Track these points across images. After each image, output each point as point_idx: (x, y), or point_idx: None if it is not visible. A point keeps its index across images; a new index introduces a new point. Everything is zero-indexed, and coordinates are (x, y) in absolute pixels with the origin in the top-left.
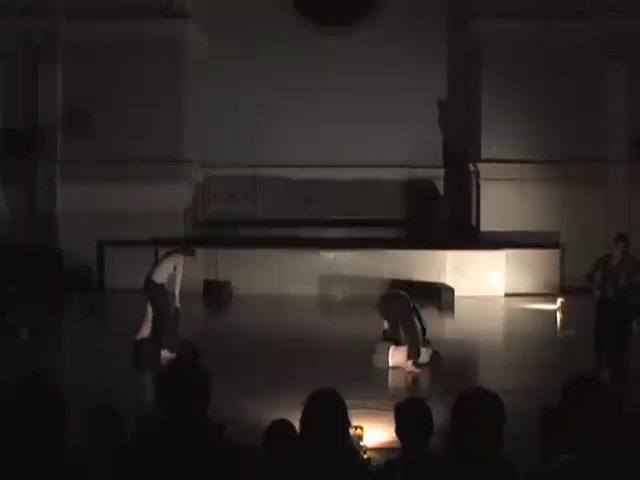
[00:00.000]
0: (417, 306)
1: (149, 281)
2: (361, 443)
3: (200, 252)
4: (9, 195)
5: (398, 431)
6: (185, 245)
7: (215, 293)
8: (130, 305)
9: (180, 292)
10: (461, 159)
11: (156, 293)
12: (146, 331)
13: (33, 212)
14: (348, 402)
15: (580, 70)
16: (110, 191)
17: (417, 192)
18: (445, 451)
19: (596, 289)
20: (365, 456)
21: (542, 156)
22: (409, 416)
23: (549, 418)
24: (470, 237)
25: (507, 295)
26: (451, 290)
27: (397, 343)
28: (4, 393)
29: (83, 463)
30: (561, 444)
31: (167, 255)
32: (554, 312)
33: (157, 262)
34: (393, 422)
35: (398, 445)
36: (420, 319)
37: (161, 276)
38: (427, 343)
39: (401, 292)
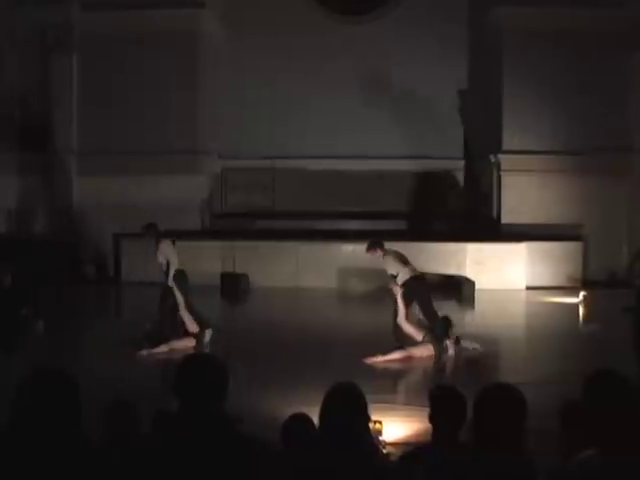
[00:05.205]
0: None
1: None
2: (380, 438)
3: (217, 244)
4: (25, 188)
5: (432, 418)
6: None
7: (232, 286)
8: (146, 298)
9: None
10: (482, 150)
11: None
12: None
13: (49, 205)
14: (367, 397)
15: (604, 59)
16: (126, 183)
17: (437, 184)
18: (468, 447)
19: (638, 279)
20: (384, 451)
21: (564, 147)
22: (443, 402)
23: (569, 413)
24: (491, 229)
25: (528, 288)
26: (471, 283)
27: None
28: (21, 386)
29: (100, 456)
30: (582, 440)
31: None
32: (576, 306)
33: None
34: (412, 417)
35: (417, 440)
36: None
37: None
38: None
39: None
